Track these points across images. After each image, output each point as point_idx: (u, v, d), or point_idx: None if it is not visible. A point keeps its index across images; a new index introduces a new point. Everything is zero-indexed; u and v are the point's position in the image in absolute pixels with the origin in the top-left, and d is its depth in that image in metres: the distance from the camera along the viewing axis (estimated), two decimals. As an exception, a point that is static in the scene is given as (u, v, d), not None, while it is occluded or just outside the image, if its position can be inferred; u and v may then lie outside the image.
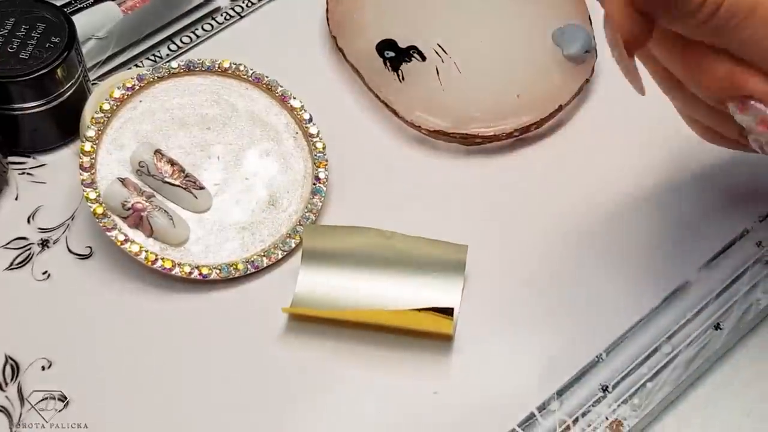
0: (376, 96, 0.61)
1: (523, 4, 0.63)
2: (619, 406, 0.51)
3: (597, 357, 0.52)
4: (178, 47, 0.64)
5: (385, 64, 0.61)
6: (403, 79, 0.61)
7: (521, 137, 0.60)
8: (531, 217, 0.57)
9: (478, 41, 0.62)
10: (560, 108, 0.60)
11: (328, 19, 0.63)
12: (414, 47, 0.62)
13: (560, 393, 0.51)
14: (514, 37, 0.62)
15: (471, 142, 0.59)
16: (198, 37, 0.64)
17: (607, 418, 0.50)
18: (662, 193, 0.58)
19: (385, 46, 0.62)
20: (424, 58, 0.61)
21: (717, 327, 0.53)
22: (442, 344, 0.52)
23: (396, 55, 0.61)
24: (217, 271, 0.54)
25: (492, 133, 0.59)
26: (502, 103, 0.60)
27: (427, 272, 0.54)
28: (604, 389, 0.51)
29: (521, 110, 0.60)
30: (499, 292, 0.54)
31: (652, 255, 0.55)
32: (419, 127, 0.59)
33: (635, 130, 0.61)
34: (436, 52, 0.61)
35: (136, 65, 0.63)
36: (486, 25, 0.63)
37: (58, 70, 0.56)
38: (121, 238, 0.54)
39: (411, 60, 0.61)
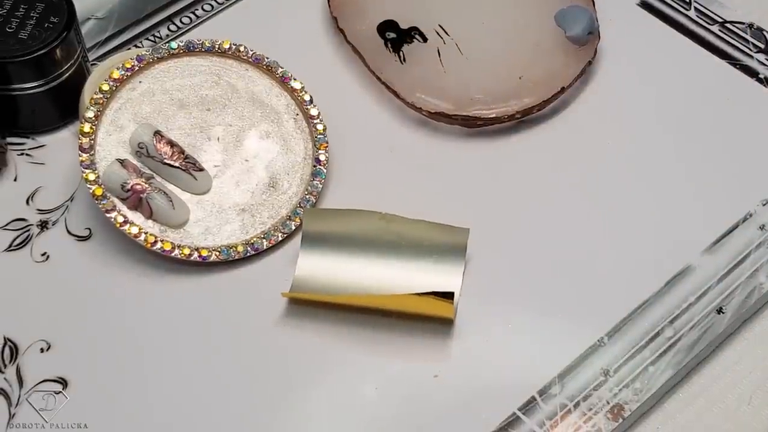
0: (377, 77, 0.60)
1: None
2: (620, 390, 0.50)
3: (599, 341, 0.52)
4: (178, 27, 0.63)
5: (386, 45, 0.61)
6: (404, 60, 0.60)
7: (523, 119, 0.59)
8: (532, 200, 0.57)
9: (480, 23, 0.61)
10: (563, 90, 0.60)
11: (329, 0, 0.63)
12: (415, 28, 0.61)
13: (561, 377, 0.51)
14: (516, 19, 0.62)
15: (472, 125, 0.59)
16: (198, 17, 0.64)
17: (608, 402, 0.50)
18: (665, 176, 0.58)
19: (387, 27, 0.61)
20: (425, 40, 0.61)
21: (719, 311, 0.53)
22: (442, 328, 0.52)
23: (397, 36, 0.61)
24: (217, 253, 0.54)
25: (494, 116, 0.59)
26: (504, 85, 0.59)
27: (428, 256, 0.53)
28: (606, 373, 0.51)
29: (523, 92, 0.59)
30: (501, 275, 0.54)
31: (654, 238, 0.55)
32: (420, 108, 0.59)
33: (637, 111, 0.60)
34: (438, 34, 0.61)
35: (136, 46, 0.62)
36: (488, 7, 0.62)
37: (57, 50, 0.56)
38: (121, 219, 0.53)
39: (412, 41, 0.61)
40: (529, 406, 0.50)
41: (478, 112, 0.59)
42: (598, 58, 0.62)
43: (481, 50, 0.61)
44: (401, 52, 0.60)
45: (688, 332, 0.52)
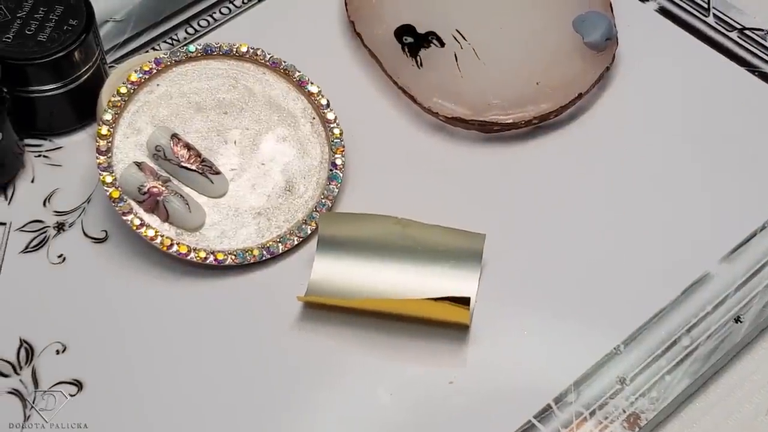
0: (394, 82, 0.60)
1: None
2: (636, 399, 0.50)
3: (615, 349, 0.52)
4: (196, 31, 0.63)
5: (404, 49, 0.61)
6: (421, 65, 0.60)
7: (540, 125, 0.59)
8: (549, 206, 0.57)
9: (497, 28, 0.61)
10: (580, 96, 0.59)
11: (346, 4, 0.63)
12: (433, 33, 0.61)
13: (577, 385, 0.50)
14: (534, 24, 0.61)
15: (489, 130, 0.59)
16: (216, 20, 0.64)
17: (624, 411, 0.50)
18: (682, 183, 0.57)
19: (404, 31, 0.61)
20: (442, 44, 0.61)
21: (737, 320, 0.53)
22: (458, 333, 0.52)
23: (414, 40, 0.61)
24: (233, 257, 0.54)
25: (510, 121, 0.58)
26: (522, 90, 0.59)
27: (443, 261, 0.53)
28: (622, 381, 0.51)
29: (540, 98, 0.59)
30: (516, 281, 0.54)
31: (671, 246, 0.55)
32: (437, 113, 0.59)
33: (655, 118, 0.60)
34: (455, 38, 0.61)
35: (154, 48, 0.62)
36: (506, 12, 0.62)
37: (76, 53, 0.56)
38: (137, 222, 0.53)
39: (429, 46, 0.61)
40: (544, 414, 0.50)
41: (495, 118, 0.58)
42: (616, 64, 0.61)
43: (499, 55, 0.60)
44: (418, 57, 0.60)
45: (706, 341, 0.52)
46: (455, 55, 0.60)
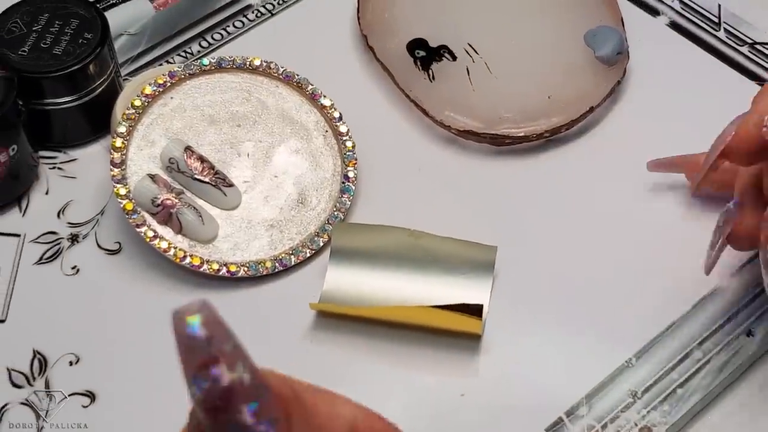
0: (406, 95, 0.60)
1: (555, 4, 0.63)
2: (648, 412, 0.50)
3: (627, 362, 0.52)
4: (210, 44, 0.64)
5: (416, 63, 0.61)
6: (433, 78, 0.60)
7: (551, 138, 0.59)
8: (560, 219, 0.57)
9: (509, 41, 0.61)
10: (591, 109, 0.60)
11: (358, 18, 0.63)
12: (445, 47, 0.61)
13: (589, 398, 0.50)
14: (545, 38, 0.62)
15: (501, 143, 0.59)
16: (229, 34, 0.64)
17: (636, 425, 0.50)
18: (694, 197, 0.57)
19: (416, 45, 0.62)
20: (454, 58, 0.61)
21: (749, 333, 0.53)
22: (469, 345, 0.52)
23: (427, 54, 0.61)
24: (245, 269, 0.54)
25: (522, 134, 0.59)
26: (533, 104, 0.59)
27: (455, 273, 0.53)
28: (634, 395, 0.51)
29: (552, 111, 0.59)
30: (528, 294, 0.54)
31: (683, 259, 0.55)
32: (449, 126, 0.59)
33: (666, 132, 0.60)
34: (467, 52, 0.61)
35: (168, 61, 0.63)
36: (517, 26, 0.62)
37: (91, 66, 0.56)
38: (150, 234, 0.54)
39: (442, 59, 0.61)
40: (556, 427, 0.50)
41: (507, 131, 0.59)
42: (627, 78, 0.62)
43: (510, 69, 0.61)
44: (430, 70, 0.61)
45: (717, 354, 0.52)
46: (467, 68, 0.61)
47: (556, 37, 0.62)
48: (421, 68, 0.61)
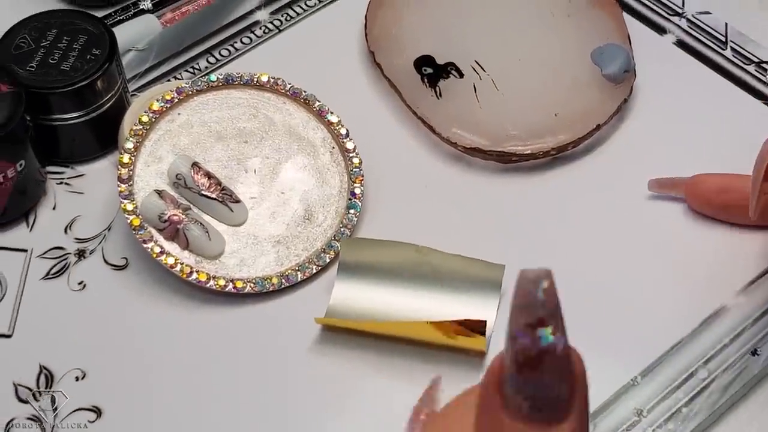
0: (413, 112, 0.61)
1: (562, 22, 0.63)
2: (654, 431, 0.50)
3: (632, 380, 0.52)
4: (217, 60, 0.64)
5: (423, 80, 0.61)
6: (440, 95, 0.61)
7: (558, 156, 0.60)
8: (567, 237, 0.57)
9: (516, 59, 0.62)
10: (598, 127, 0.60)
11: (366, 35, 0.63)
12: (452, 64, 0.62)
13: (594, 416, 0.50)
14: (552, 56, 0.62)
15: (507, 160, 0.59)
16: (237, 50, 0.65)
17: (641, 443, 0.50)
18: (700, 215, 0.57)
19: (423, 62, 0.62)
20: (461, 75, 0.61)
21: (754, 353, 0.53)
22: (475, 361, 0.52)
23: (434, 71, 0.61)
24: (252, 285, 0.54)
25: (529, 152, 0.59)
26: (540, 121, 0.60)
27: (462, 290, 0.54)
28: (639, 413, 0.51)
29: (558, 129, 0.59)
30: (534, 312, 0.54)
31: (689, 278, 0.55)
32: (455, 144, 0.59)
33: (673, 150, 0.60)
34: (474, 69, 0.61)
35: (175, 77, 0.63)
36: (525, 43, 0.62)
37: (98, 82, 0.57)
38: (157, 250, 0.54)
39: (449, 76, 0.61)
40: (561, 445, 0.50)
41: (514, 148, 0.59)
42: (633, 96, 0.62)
43: (517, 86, 0.61)
44: (437, 87, 0.61)
45: (723, 374, 0.52)
46: (474, 85, 0.61)
47: (563, 55, 0.62)
48: (428, 85, 0.61)
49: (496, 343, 0.53)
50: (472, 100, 0.60)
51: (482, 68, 0.61)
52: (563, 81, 0.61)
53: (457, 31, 0.63)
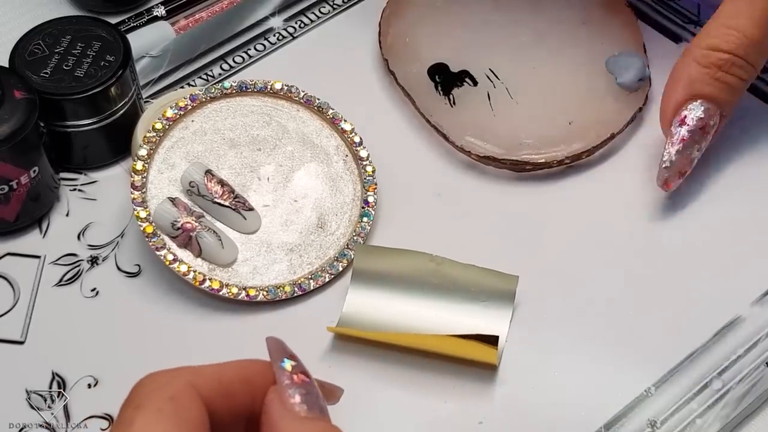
0: (427, 120, 0.60)
1: (577, 31, 0.63)
2: (667, 442, 0.50)
3: (645, 391, 0.51)
4: (231, 67, 0.64)
5: (437, 88, 0.61)
6: (454, 103, 0.60)
7: (572, 165, 0.59)
8: (581, 246, 0.57)
9: (530, 67, 0.61)
10: (613, 136, 0.59)
11: (380, 42, 0.63)
12: (466, 72, 0.61)
13: (607, 427, 0.50)
14: (567, 64, 0.62)
15: (521, 169, 0.59)
16: (250, 57, 0.65)
17: (655, 454, 0.50)
18: (715, 224, 0.57)
19: (437, 70, 0.62)
20: (475, 83, 0.61)
21: (769, 364, 0.52)
22: (488, 373, 0.52)
23: (447, 79, 0.61)
24: (264, 293, 0.54)
25: (542, 160, 0.59)
26: (554, 130, 0.59)
27: (475, 300, 0.53)
28: (653, 424, 0.50)
29: (573, 137, 0.59)
30: (548, 322, 0.54)
31: (703, 288, 0.55)
32: (469, 152, 0.59)
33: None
34: (488, 77, 0.61)
35: (189, 84, 0.63)
36: (539, 52, 0.62)
37: (112, 89, 0.57)
38: (170, 257, 0.54)
39: (462, 84, 0.61)
40: (574, 456, 0.50)
41: (528, 157, 0.59)
42: (648, 105, 0.61)
43: (531, 95, 0.61)
44: (451, 95, 0.61)
45: (737, 385, 0.52)
46: (488, 94, 0.61)
47: (578, 63, 0.62)
48: (441, 93, 0.61)
49: (510, 353, 0.52)
50: (486, 108, 0.60)
51: (496, 76, 0.61)
52: (578, 89, 0.61)
53: (471, 39, 0.63)
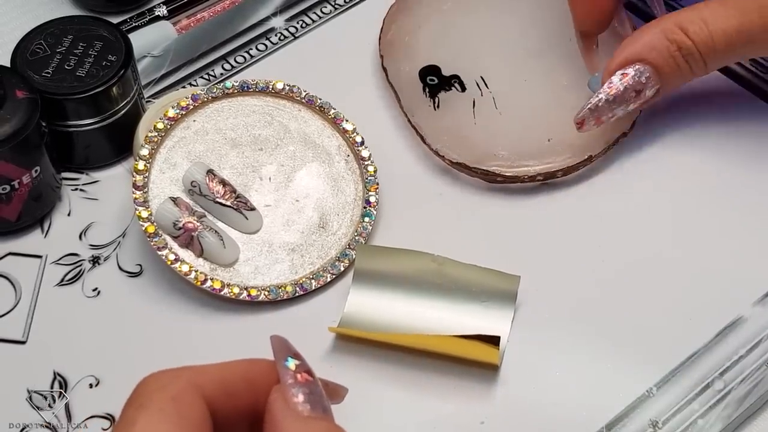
0: (408, 120, 0.60)
1: (574, 48, 0.61)
2: (669, 442, 0.50)
3: (647, 391, 0.51)
4: (233, 66, 0.64)
5: (424, 90, 0.61)
6: (438, 107, 0.60)
7: (547, 182, 0.59)
8: (583, 247, 0.56)
9: (521, 80, 0.61)
10: (590, 158, 0.58)
11: (380, 39, 0.63)
12: (456, 76, 0.61)
13: (609, 427, 0.50)
14: (558, 80, 0.61)
15: (493, 180, 0.58)
16: (252, 57, 0.65)
17: (656, 455, 0.50)
18: (715, 226, 0.57)
19: (429, 71, 0.62)
20: (464, 89, 0.61)
21: (771, 365, 0.52)
22: (490, 373, 0.52)
23: (438, 82, 0.61)
24: (266, 293, 0.54)
25: (511, 174, 0.58)
26: (530, 145, 0.58)
27: (477, 301, 0.53)
28: (654, 425, 0.50)
29: (547, 155, 0.58)
30: (549, 322, 0.54)
31: (704, 289, 0.55)
32: (443, 157, 0.58)
33: (688, 159, 0.60)
34: (478, 85, 0.61)
35: (191, 84, 0.63)
36: (533, 65, 0.62)
37: (114, 88, 0.57)
38: (172, 257, 0.54)
39: (450, 89, 0.61)
40: (576, 457, 0.50)
41: (497, 169, 0.58)
42: (635, 131, 0.60)
43: (517, 107, 0.60)
44: (437, 98, 0.60)
45: (739, 385, 0.52)
46: (474, 101, 0.60)
47: (571, 81, 0.61)
48: (428, 95, 0.61)
49: (511, 354, 0.52)
50: (469, 115, 0.60)
51: (486, 85, 0.61)
52: (564, 107, 0.59)
53: (469, 45, 0.62)
